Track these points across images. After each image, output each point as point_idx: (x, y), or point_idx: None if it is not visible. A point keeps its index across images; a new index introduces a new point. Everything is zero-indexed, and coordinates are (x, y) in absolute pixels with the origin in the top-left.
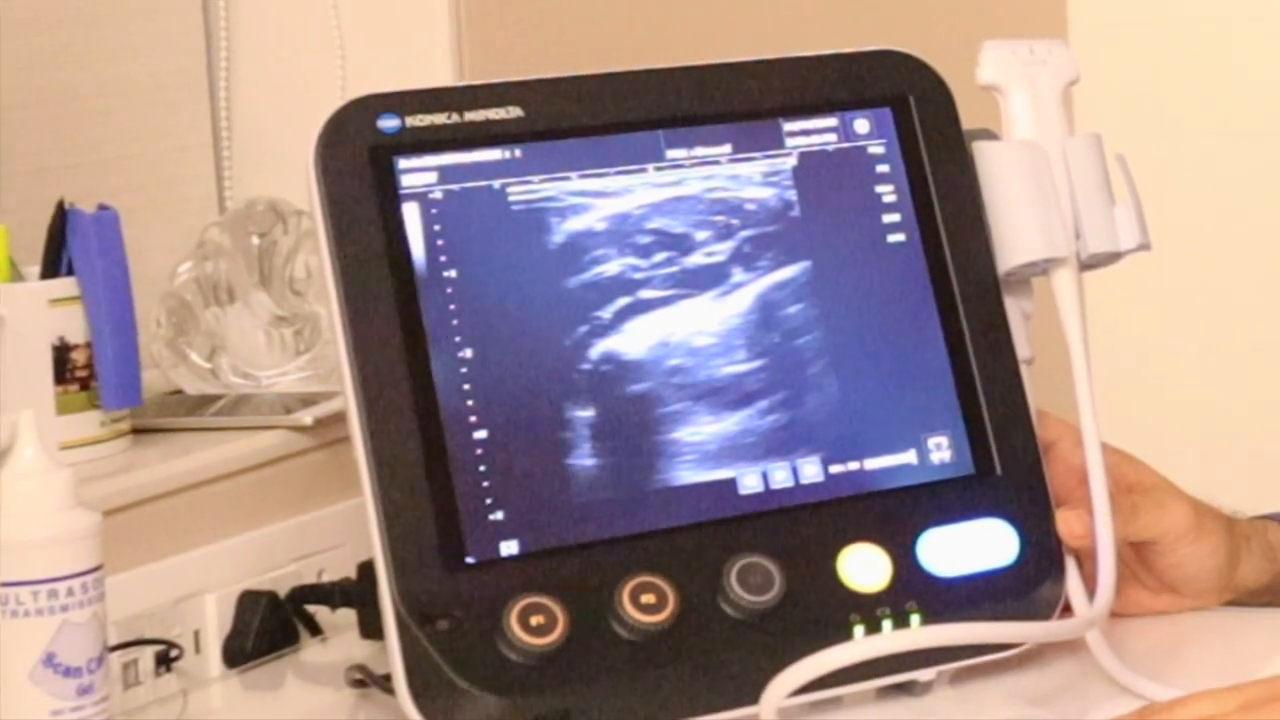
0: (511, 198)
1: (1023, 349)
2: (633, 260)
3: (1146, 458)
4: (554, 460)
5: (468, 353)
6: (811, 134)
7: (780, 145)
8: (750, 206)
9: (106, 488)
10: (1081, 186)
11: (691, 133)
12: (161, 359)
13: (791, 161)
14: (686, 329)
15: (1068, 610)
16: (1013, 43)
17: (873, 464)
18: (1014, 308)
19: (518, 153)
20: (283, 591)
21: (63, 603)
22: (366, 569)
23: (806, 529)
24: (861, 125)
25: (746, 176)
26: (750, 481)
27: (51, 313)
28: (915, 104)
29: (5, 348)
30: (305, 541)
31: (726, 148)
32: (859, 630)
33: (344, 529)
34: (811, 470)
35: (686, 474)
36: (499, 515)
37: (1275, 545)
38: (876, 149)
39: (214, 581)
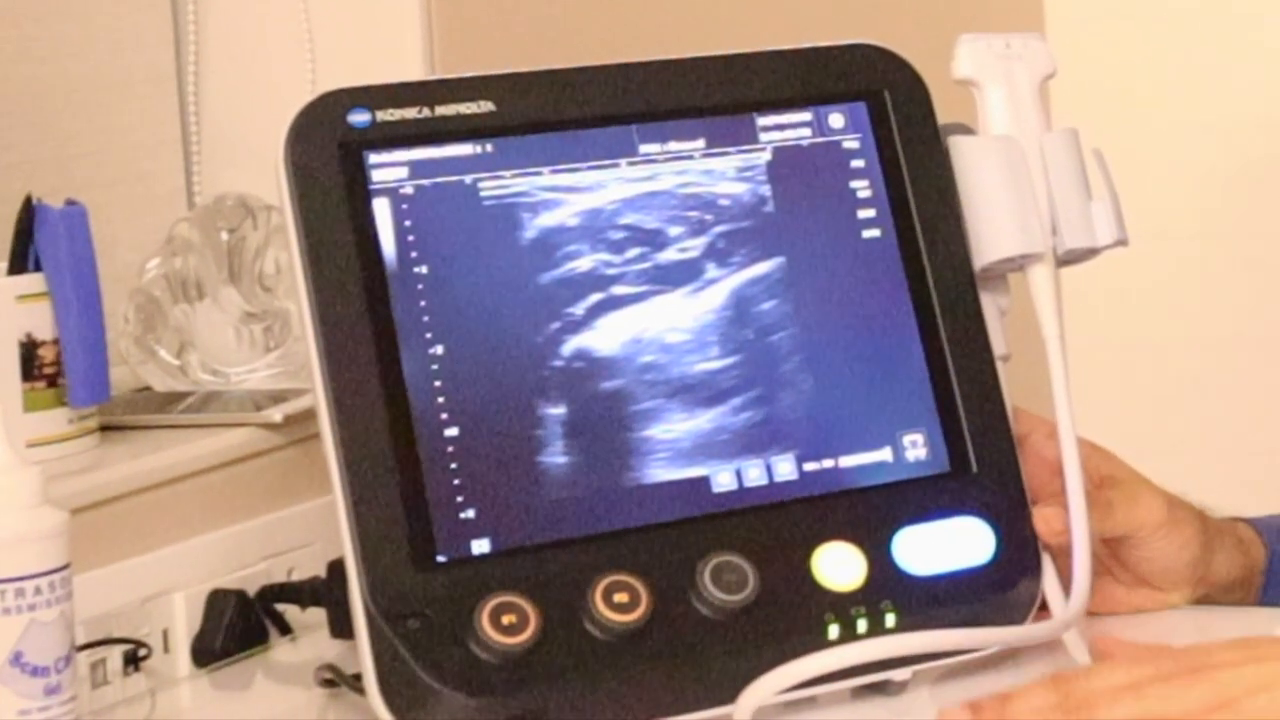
0: (483, 193)
1: (999, 346)
2: (605, 256)
3: (1121, 453)
4: (526, 458)
5: (439, 349)
6: (786, 129)
7: (754, 140)
8: (724, 202)
9: (74, 485)
10: (1058, 182)
11: (665, 127)
12: (130, 356)
13: (765, 156)
14: (659, 325)
15: (1044, 607)
16: (988, 36)
17: (848, 462)
18: (990, 304)
19: (489, 147)
20: (252, 590)
21: (30, 602)
22: (336, 568)
23: (781, 527)
24: (836, 120)
25: (720, 171)
26: (724, 479)
27: (18, 309)
28: (890, 98)
29: None
30: (275, 540)
31: (700, 142)
32: (834, 629)
33: (314, 527)
34: (786, 468)
35: (659, 472)
36: (470, 513)
37: (1245, 540)
38: (851, 144)
39: (183, 580)
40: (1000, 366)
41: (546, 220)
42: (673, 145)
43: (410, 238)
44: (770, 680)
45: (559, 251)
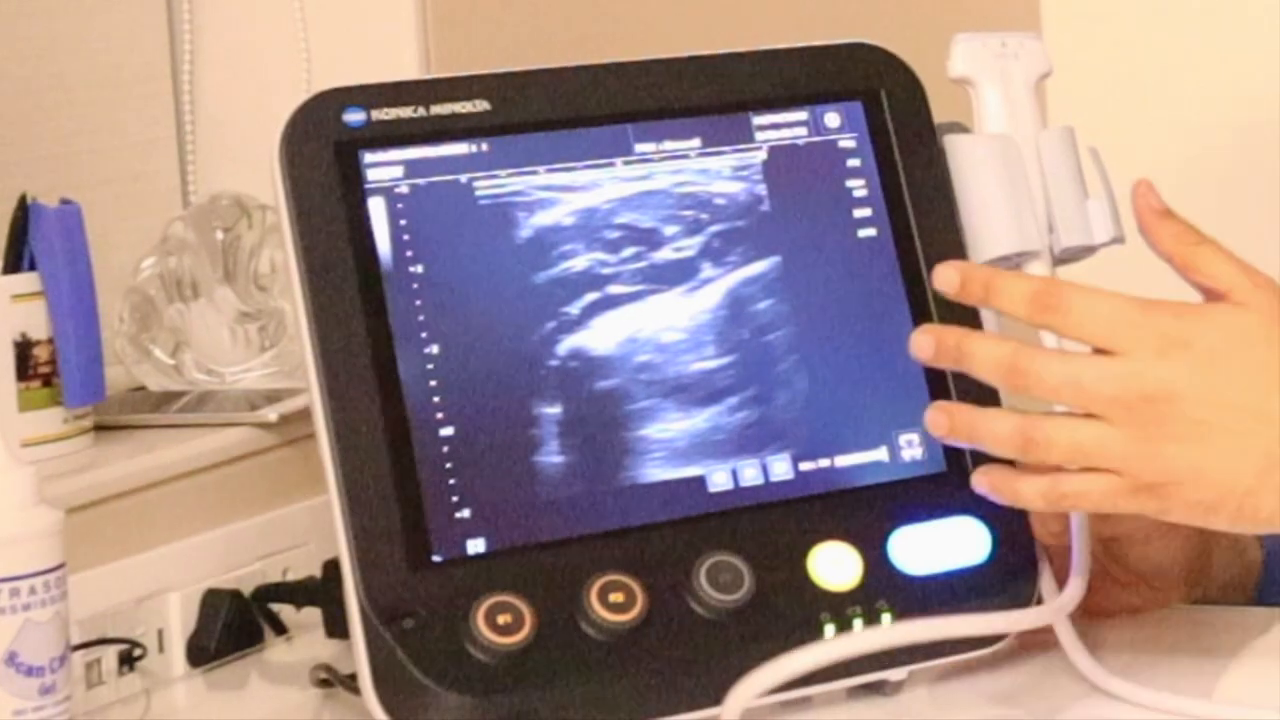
0: (478, 192)
1: None
2: (601, 255)
3: None
4: (521, 457)
5: (434, 349)
6: (781, 128)
7: (750, 139)
8: (720, 201)
9: (69, 485)
10: (1054, 180)
11: (660, 126)
12: (125, 355)
13: (761, 155)
14: (655, 325)
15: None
16: (984, 35)
17: (843, 461)
18: None
19: (484, 146)
20: (247, 590)
21: (25, 601)
22: (332, 567)
23: (776, 527)
24: (832, 119)
25: (716, 171)
26: (719, 479)
27: (13, 308)
28: (886, 97)
29: None
30: (270, 540)
31: (695, 141)
32: (830, 629)
33: (309, 527)
34: (781, 468)
35: (655, 471)
36: (465, 513)
37: (1242, 540)
38: (847, 143)
39: (178, 580)
40: None
41: (542, 219)
42: (668, 144)
43: (405, 237)
44: (756, 679)
45: (554, 251)
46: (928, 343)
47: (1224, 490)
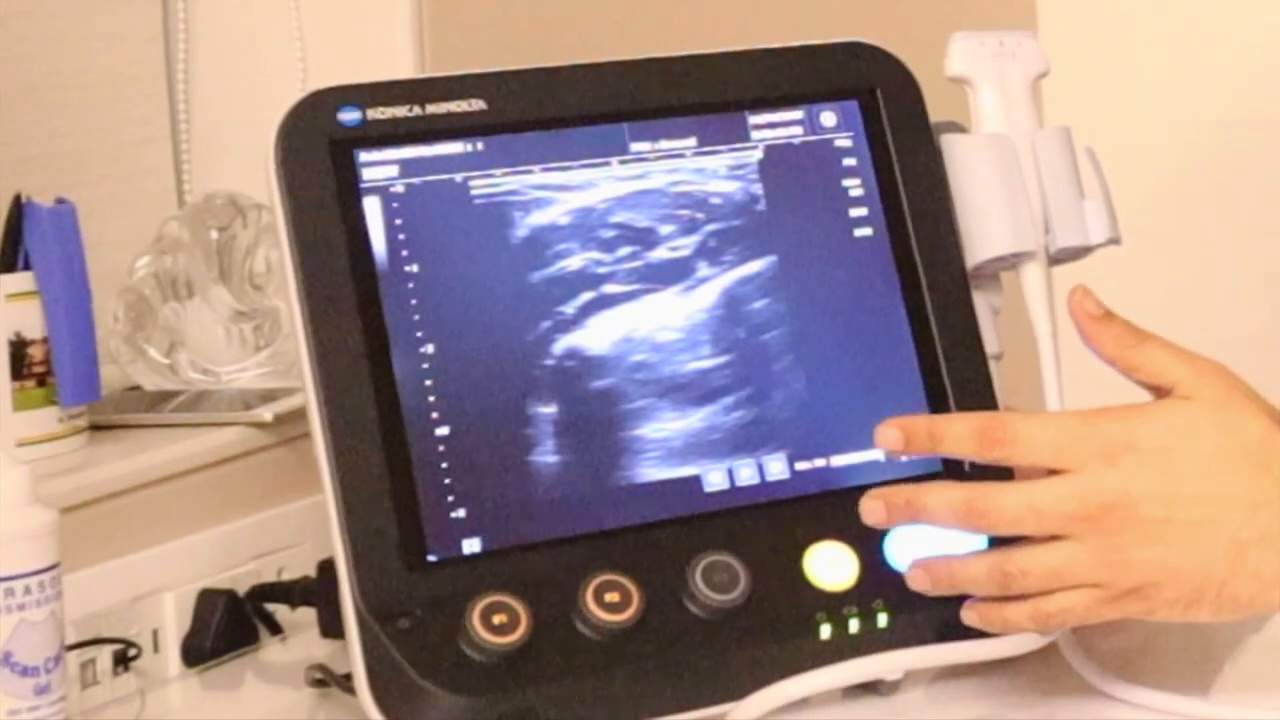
0: (474, 191)
1: (991, 345)
2: (596, 255)
3: None
4: (517, 457)
5: (429, 348)
6: (777, 127)
7: (746, 138)
8: (715, 200)
9: (64, 485)
10: (1050, 180)
11: (656, 125)
12: (119, 355)
13: (757, 155)
14: (651, 324)
15: None
16: (981, 34)
17: (839, 461)
18: (982, 303)
19: (480, 146)
20: (242, 590)
21: (19, 601)
22: (327, 567)
23: (772, 527)
24: (828, 118)
25: (712, 170)
26: (715, 478)
27: (8, 308)
28: (882, 96)
29: None
30: (265, 539)
31: (691, 141)
32: (825, 629)
33: (304, 527)
34: (777, 467)
35: (651, 471)
36: (461, 513)
37: None
38: (843, 142)
39: (172, 580)
40: (993, 365)
41: (537, 219)
42: (664, 144)
43: (401, 236)
44: (755, 701)
45: (550, 250)
46: (878, 507)
47: (1200, 584)
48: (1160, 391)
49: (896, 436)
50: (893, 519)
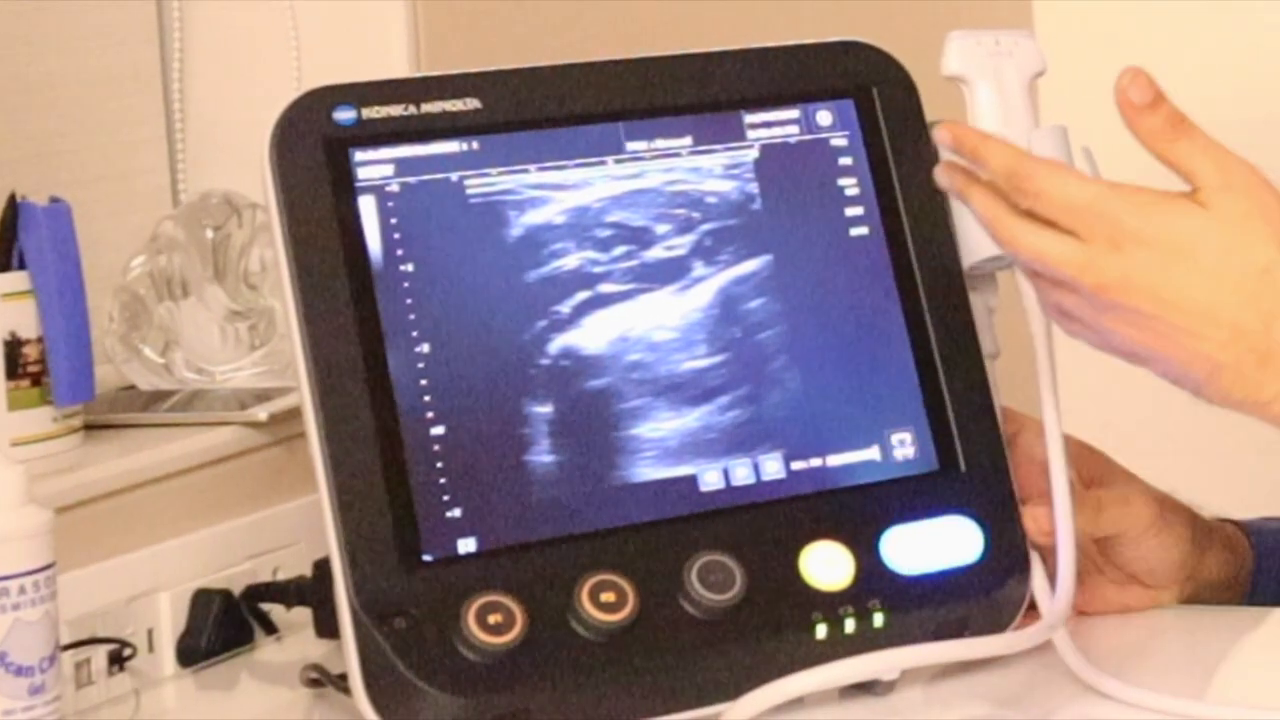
0: (469, 190)
1: (987, 344)
2: (592, 254)
3: (1111, 453)
4: (512, 457)
5: (425, 348)
6: (773, 126)
7: (741, 137)
8: (711, 199)
9: (59, 485)
10: None
11: (652, 125)
12: (114, 354)
13: (753, 154)
14: (646, 324)
15: (1033, 607)
16: (978, 33)
17: (835, 460)
18: (979, 302)
19: (475, 145)
20: (237, 590)
21: (14, 601)
22: (322, 567)
23: (768, 526)
24: (824, 117)
25: (707, 169)
26: (711, 478)
27: (3, 307)
28: (879, 95)
29: None
30: (260, 539)
31: (687, 140)
32: (822, 629)
33: (299, 526)
34: (773, 467)
35: (647, 470)
36: (456, 512)
37: (1233, 538)
38: (839, 141)
39: (167, 580)
40: (989, 365)
41: (533, 218)
42: (660, 143)
43: (396, 235)
44: (750, 701)
45: (545, 249)
46: (944, 135)
47: (1176, 378)
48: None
49: (944, 136)
50: (958, 144)
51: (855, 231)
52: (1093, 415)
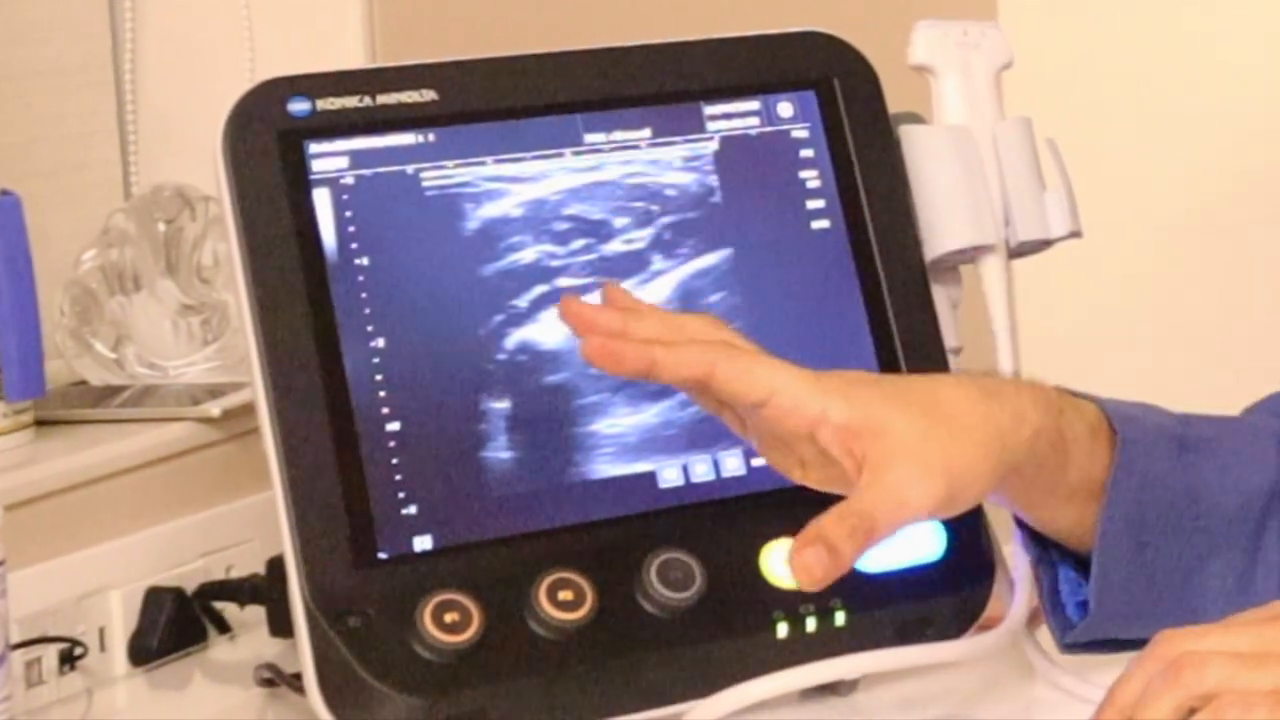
0: (425, 183)
1: (950, 339)
2: (550, 247)
3: None
4: (469, 453)
5: (380, 342)
6: (733, 118)
7: (701, 129)
8: (670, 192)
9: (8, 481)
10: (1011, 172)
11: (610, 116)
12: (65, 349)
13: (713, 146)
14: None
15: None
16: (946, 23)
17: None
18: (942, 296)
19: (431, 137)
20: (190, 588)
21: None
22: (276, 565)
23: (728, 524)
24: (785, 109)
25: (666, 161)
26: (670, 475)
27: None
28: (840, 86)
29: None
30: (213, 537)
31: (646, 132)
32: (782, 628)
33: (253, 524)
34: (733, 463)
35: (605, 467)
36: (412, 509)
37: (1068, 435)
38: (800, 133)
39: (119, 578)
40: (952, 360)
41: (490, 211)
42: (618, 135)
43: (351, 228)
44: (709, 706)
45: (502, 243)
46: None
47: None
48: None
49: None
50: None
51: (816, 225)
52: None
